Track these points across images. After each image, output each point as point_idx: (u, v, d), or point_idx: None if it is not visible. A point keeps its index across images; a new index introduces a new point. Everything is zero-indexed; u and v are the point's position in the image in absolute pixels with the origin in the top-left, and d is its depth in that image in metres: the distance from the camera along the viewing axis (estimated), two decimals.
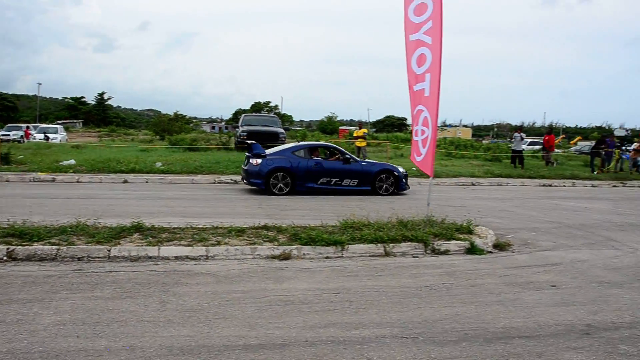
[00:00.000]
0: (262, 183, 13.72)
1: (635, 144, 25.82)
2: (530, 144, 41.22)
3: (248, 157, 14.44)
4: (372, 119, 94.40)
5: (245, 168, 14.47)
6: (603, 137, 24.58)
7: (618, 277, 6.84)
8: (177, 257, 6.89)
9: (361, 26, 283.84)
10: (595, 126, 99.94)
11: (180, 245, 7.18)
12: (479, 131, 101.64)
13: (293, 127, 74.87)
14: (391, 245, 7.56)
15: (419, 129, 8.87)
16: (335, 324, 4.79)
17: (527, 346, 4.46)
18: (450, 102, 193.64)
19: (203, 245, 7.19)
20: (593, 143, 27.86)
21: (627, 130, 71.36)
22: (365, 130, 23.09)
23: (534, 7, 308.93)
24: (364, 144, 21.74)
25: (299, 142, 20.12)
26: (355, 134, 22.60)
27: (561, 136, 49.59)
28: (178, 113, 46.20)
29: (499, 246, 8.13)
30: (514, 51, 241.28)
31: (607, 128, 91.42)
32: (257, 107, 74.81)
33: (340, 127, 55.55)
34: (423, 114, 8.75)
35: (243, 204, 11.80)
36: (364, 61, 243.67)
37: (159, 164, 18.17)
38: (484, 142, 59.72)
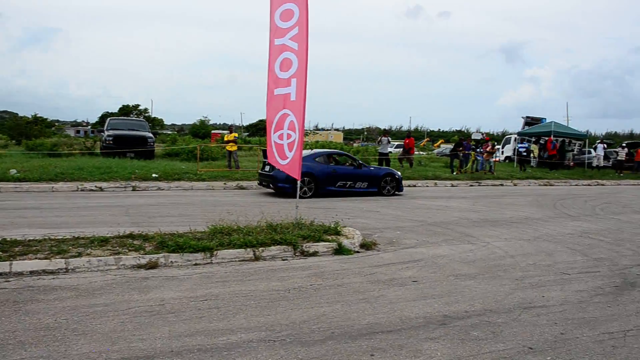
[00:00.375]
0: (290, 187, 14.21)
1: (489, 146, 27.96)
2: (397, 147, 43.27)
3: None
4: (246, 123, 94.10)
5: (270, 174, 15.26)
6: (460, 140, 26.31)
7: (472, 269, 7.35)
8: (32, 272, 6.39)
9: (235, 30, 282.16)
10: (456, 130, 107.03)
11: (36, 258, 6.66)
12: (350, 135, 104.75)
13: (164, 131, 72.55)
14: (261, 249, 7.56)
15: (285, 133, 8.96)
16: (202, 332, 4.69)
17: (389, 340, 4.65)
18: (321, 106, 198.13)
19: (62, 258, 6.72)
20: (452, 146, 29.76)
21: (482, 134, 76.73)
22: (236, 134, 22.89)
23: (398, 17, 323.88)
24: (234, 148, 21.58)
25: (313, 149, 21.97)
26: (226, 138, 22.35)
27: (425, 139, 52.43)
28: (37, 116, 43.01)
29: (366, 246, 8.42)
30: (383, 58, 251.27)
31: (465, 132, 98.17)
32: (125, 111, 71.54)
33: (213, 131, 54.80)
34: (289, 118, 8.86)
35: (108, 212, 11.24)
36: (237, 65, 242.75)
37: (13, 171, 16.73)
38: (354, 145, 61.65)
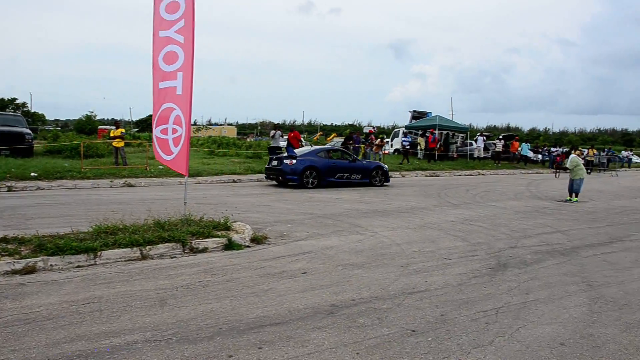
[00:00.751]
0: (297, 179, 17.05)
1: (378, 139, 28.85)
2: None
3: (278, 159, 17.86)
4: (135, 118, 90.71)
5: (279, 167, 17.54)
6: (351, 134, 26.97)
7: (360, 258, 7.56)
8: None
9: (120, 22, 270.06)
10: (348, 124, 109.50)
11: None
12: (244, 129, 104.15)
13: (46, 127, 68.15)
14: (148, 247, 7.33)
15: (170, 127, 8.72)
16: (83, 337, 4.48)
17: (278, 332, 4.69)
18: (214, 100, 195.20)
19: None
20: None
21: (373, 128, 79.25)
22: (123, 130, 21.99)
23: (290, 12, 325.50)
24: (121, 144, 20.74)
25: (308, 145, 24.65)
26: (112, 134, 21.43)
27: (319, 133, 53.16)
28: None
29: (256, 240, 8.42)
30: (276, 53, 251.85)
31: (357, 125, 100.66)
32: (0, 105, 66.62)
33: (100, 127, 52.19)
34: (175, 113, 8.64)
35: None
36: (125, 58, 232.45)
37: None
38: (248, 139, 61.36)
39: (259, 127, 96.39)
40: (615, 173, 35.81)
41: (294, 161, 17.29)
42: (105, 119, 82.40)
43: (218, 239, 7.97)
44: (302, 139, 26.40)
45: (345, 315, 5.19)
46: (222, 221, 8.72)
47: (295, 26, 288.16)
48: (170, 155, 8.83)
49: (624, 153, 53.32)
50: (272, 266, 6.99)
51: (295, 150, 19.08)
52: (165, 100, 8.87)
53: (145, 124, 78.59)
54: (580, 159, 17.62)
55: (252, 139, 64.13)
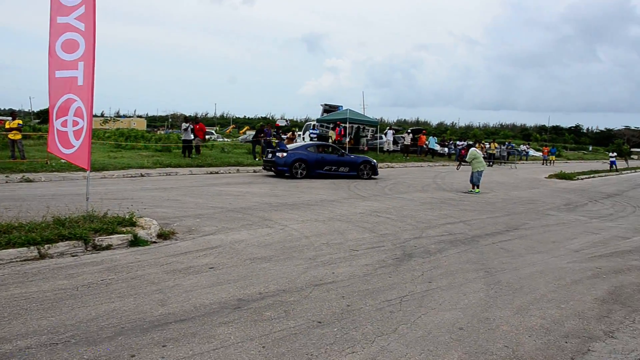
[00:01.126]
0: (287, 170, 19.05)
1: (289, 133, 28.92)
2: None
3: (272, 152, 19.96)
4: (36, 109, 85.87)
5: (273, 159, 19.45)
6: (262, 127, 26.82)
7: (269, 252, 7.58)
8: None
9: (17, 5, 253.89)
10: (261, 117, 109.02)
11: None
12: (154, 122, 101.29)
13: None
14: (46, 246, 6.96)
15: (70, 120, 8.30)
16: None
17: (183, 329, 4.61)
18: (123, 91, 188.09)
19: None
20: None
21: (287, 121, 79.31)
22: (20, 121, 20.66)
23: (202, 1, 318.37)
24: (19, 136, 19.56)
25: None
26: (7, 126, 20.12)
27: (231, 126, 52.59)
28: None
29: (164, 235, 8.22)
30: (187, 43, 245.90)
31: (270, 119, 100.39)
32: None
33: None
34: (75, 104, 8.24)
35: None
36: (23, 44, 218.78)
37: None
38: (158, 132, 59.73)
39: (170, 120, 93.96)
40: (514, 165, 37.91)
41: (285, 154, 19.22)
42: (4, 108, 77.55)
43: (123, 235, 7.71)
44: (207, 131, 26.10)
45: (252, 309, 5.19)
46: (127, 217, 8.43)
47: (206, 16, 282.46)
48: (71, 148, 8.40)
49: (522, 147, 56.71)
50: (179, 262, 6.86)
51: (289, 145, 21.35)
52: (65, 91, 8.43)
53: (46, 115, 74.78)
54: (479, 152, 18.49)
55: (162, 132, 62.49)
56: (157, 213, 10.06)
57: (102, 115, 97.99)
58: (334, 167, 19.92)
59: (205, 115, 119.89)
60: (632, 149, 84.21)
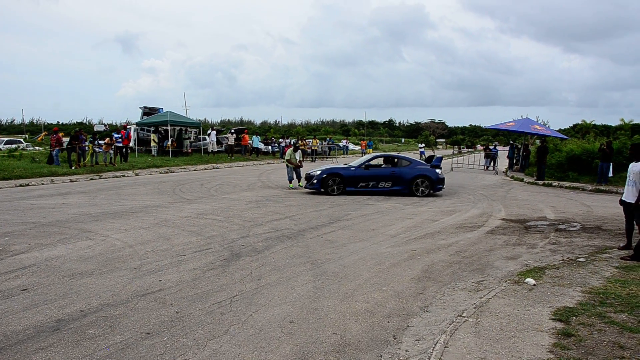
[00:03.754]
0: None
1: (107, 138, 27.36)
2: (7, 142, 38.94)
3: None
4: None
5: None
6: (77, 133, 25.06)
7: (90, 266, 7.13)
8: None
9: None
10: (77, 122, 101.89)
11: None
12: None
13: None
14: None
15: None
16: None
17: None
18: None
19: None
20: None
21: (105, 125, 75.14)
22: None
23: None
24: None
25: None
26: None
27: (43, 133, 48.43)
28: None
29: None
30: None
31: (87, 123, 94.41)
32: None
33: None
34: None
35: None
36: None
37: None
38: None
39: None
40: (336, 160, 39.69)
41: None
42: None
43: None
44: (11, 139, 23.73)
45: (74, 329, 4.86)
46: None
47: (5, 12, 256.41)
48: None
49: (343, 142, 59.72)
50: None
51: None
52: None
53: None
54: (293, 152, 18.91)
55: None
56: None
57: None
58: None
59: (12, 122, 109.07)
60: (437, 140, 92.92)
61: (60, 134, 23.74)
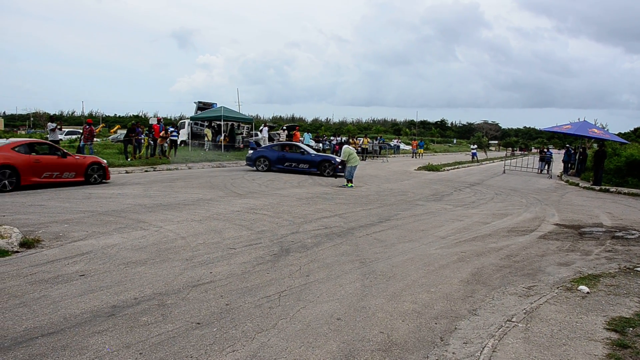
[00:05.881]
0: (252, 164, 22.99)
1: (162, 131, 27.96)
2: (68, 133, 40.43)
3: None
4: None
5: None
6: (134, 126, 25.77)
7: (144, 255, 7.34)
8: None
9: None
10: (133, 115, 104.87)
11: None
12: (13, 121, 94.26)
13: None
14: None
15: None
16: None
17: (51, 342, 4.36)
18: None
19: None
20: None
21: (160, 119, 76.89)
22: None
23: None
24: None
25: None
26: None
27: (101, 125, 49.93)
28: None
29: (27, 244, 7.66)
30: (46, 37, 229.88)
31: (143, 117, 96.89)
32: None
33: None
34: None
35: None
36: None
37: None
38: (19, 132, 55.65)
39: (32, 119, 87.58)
40: (386, 159, 39.52)
41: (251, 152, 23.46)
42: None
43: None
44: (72, 130, 24.32)
45: (128, 316, 5.02)
46: None
47: (68, 9, 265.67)
48: None
49: (394, 141, 59.38)
50: (46, 271, 6.44)
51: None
52: None
53: None
54: (352, 148, 19.08)
55: (24, 132, 58.29)
56: (19, 220, 9.37)
57: None
58: (294, 164, 22.51)
59: (72, 113, 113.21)
60: (490, 142, 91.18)
61: (92, 127, 23.68)
